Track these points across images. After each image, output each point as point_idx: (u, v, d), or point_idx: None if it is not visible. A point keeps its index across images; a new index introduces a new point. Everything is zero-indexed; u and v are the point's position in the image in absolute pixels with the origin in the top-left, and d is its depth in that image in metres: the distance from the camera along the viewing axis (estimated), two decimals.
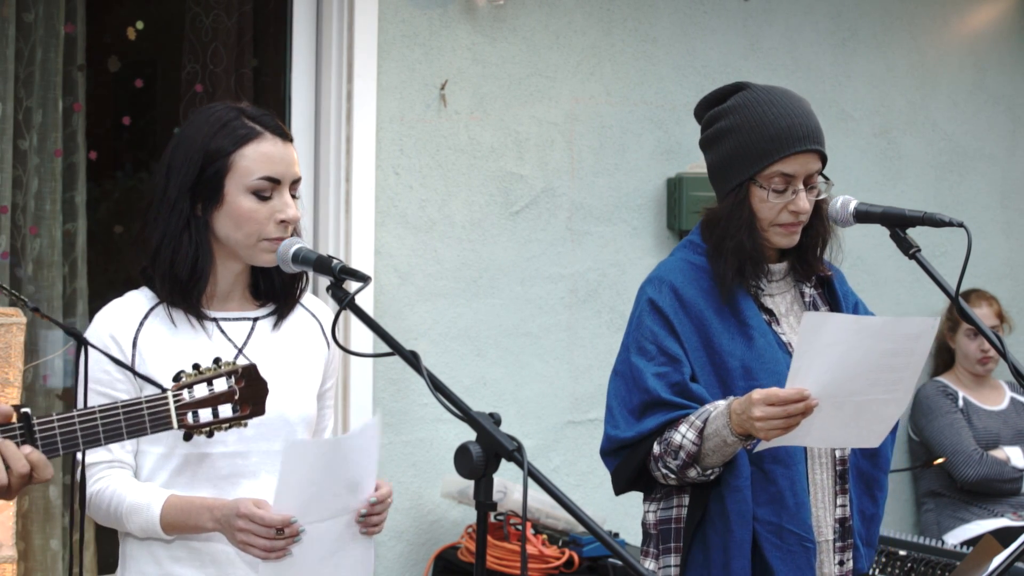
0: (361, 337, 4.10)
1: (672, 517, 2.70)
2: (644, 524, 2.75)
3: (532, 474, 2.01)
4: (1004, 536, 3.79)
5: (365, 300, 4.11)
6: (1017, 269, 5.59)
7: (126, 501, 2.37)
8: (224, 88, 4.53)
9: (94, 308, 3.86)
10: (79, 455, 2.22)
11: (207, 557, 2.42)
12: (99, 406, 2.03)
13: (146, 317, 2.43)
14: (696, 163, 4.69)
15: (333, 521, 2.28)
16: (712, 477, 2.61)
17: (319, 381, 2.57)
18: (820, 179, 2.70)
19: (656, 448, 2.62)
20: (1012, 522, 4.86)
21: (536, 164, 4.53)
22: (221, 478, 2.41)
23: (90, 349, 2.27)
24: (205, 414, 2.10)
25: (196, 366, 2.11)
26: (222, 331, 2.46)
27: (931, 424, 5.05)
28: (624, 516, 4.34)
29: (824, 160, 2.70)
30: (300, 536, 2.23)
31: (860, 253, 5.00)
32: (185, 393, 2.08)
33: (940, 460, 4.92)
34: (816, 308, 2.79)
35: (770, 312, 2.73)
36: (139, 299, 2.47)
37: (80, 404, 2.16)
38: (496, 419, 2.08)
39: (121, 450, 2.41)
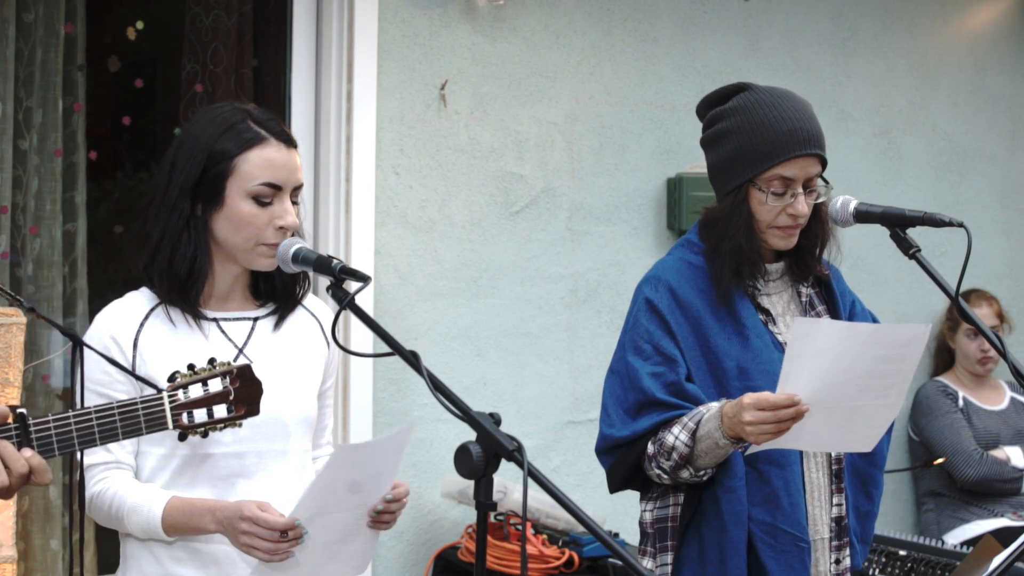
0: (361, 337, 4.10)
1: (668, 516, 2.71)
2: (641, 523, 2.76)
3: (532, 474, 2.01)
4: (1004, 536, 3.79)
5: (365, 300, 4.11)
6: (1017, 269, 5.59)
7: (127, 502, 2.37)
8: (224, 88, 4.53)
9: (94, 308, 3.87)
10: (79, 455, 2.22)
11: (208, 557, 2.42)
12: (95, 407, 2.04)
13: (146, 318, 2.44)
14: (696, 163, 4.69)
15: (348, 513, 2.29)
16: (705, 478, 2.62)
17: (319, 381, 2.57)
18: (820, 182, 2.71)
19: (650, 448, 2.63)
20: (1012, 522, 4.86)
21: (536, 164, 4.53)
22: (220, 479, 2.42)
23: (90, 351, 2.28)
24: (200, 414, 2.10)
25: (191, 366, 2.12)
26: (222, 331, 2.46)
27: (931, 424, 5.05)
28: (624, 516, 4.34)
29: (824, 163, 2.71)
30: (303, 539, 2.23)
31: (860, 253, 5.00)
32: (180, 393, 2.09)
33: (940, 460, 4.92)
34: (813, 307, 2.80)
35: (766, 312, 2.73)
36: (139, 300, 2.47)
37: (77, 405, 2.17)
38: (496, 419, 2.08)
39: (122, 451, 2.41)
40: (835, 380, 2.41)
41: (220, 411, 2.11)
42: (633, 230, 4.70)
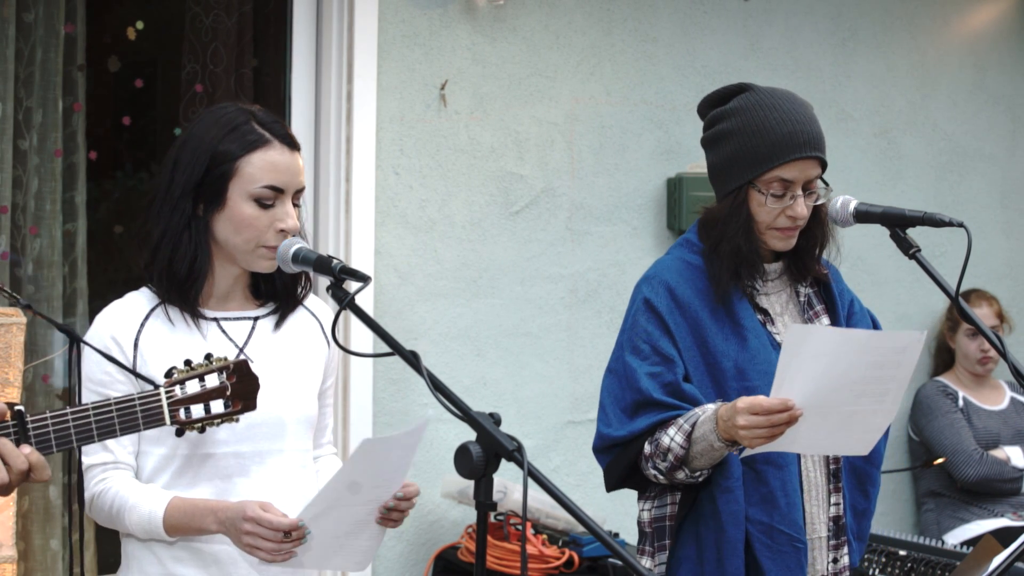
0: (361, 337, 4.10)
1: (666, 515, 2.71)
2: (639, 523, 2.77)
3: (532, 474, 2.01)
4: (1004, 536, 3.79)
5: (365, 300, 4.11)
6: (1017, 269, 5.59)
7: (128, 503, 2.37)
8: (224, 88, 4.53)
9: (94, 308, 3.87)
10: (78, 455, 2.22)
11: (209, 557, 2.42)
12: (92, 403, 2.04)
13: (147, 318, 2.44)
14: (696, 163, 4.69)
15: (360, 507, 2.30)
16: (701, 479, 2.62)
17: (320, 381, 2.57)
18: (819, 184, 2.71)
19: (647, 448, 2.63)
20: (1012, 522, 4.86)
21: (536, 164, 4.53)
22: (221, 478, 2.42)
23: (91, 351, 2.28)
24: (197, 410, 2.10)
25: (188, 362, 2.12)
26: (222, 331, 2.46)
27: (931, 424, 5.05)
28: (624, 516, 4.34)
29: (824, 166, 2.71)
30: (306, 539, 2.24)
31: (860, 253, 5.00)
32: (177, 389, 2.09)
33: (940, 460, 4.92)
34: (811, 307, 2.80)
35: (765, 312, 2.73)
36: (139, 300, 2.47)
37: (75, 401, 2.17)
38: (496, 419, 2.08)
39: (122, 451, 2.41)
40: (830, 385, 2.41)
41: (217, 407, 2.12)
42: (633, 230, 4.70)
